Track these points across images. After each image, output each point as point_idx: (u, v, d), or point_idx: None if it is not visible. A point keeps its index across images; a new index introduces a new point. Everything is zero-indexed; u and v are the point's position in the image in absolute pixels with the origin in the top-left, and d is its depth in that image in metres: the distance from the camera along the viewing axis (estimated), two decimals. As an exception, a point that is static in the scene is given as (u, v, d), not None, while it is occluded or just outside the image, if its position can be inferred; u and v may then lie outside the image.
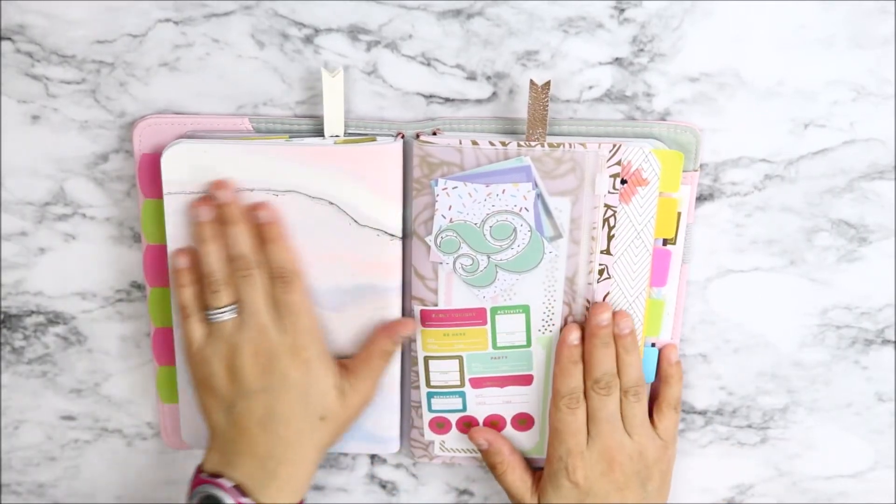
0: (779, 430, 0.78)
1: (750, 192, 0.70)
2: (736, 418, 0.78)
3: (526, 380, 0.73)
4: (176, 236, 0.68)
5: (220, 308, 0.68)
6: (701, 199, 0.71)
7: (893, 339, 0.75)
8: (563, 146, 0.66)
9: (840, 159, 0.69)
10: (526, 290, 0.69)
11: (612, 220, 0.68)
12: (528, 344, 0.71)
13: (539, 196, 0.66)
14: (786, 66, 0.67)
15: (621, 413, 0.70)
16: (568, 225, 0.67)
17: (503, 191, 0.66)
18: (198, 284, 0.69)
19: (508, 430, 0.74)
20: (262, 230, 0.68)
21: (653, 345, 0.73)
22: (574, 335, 0.70)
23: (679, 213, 0.69)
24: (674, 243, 0.70)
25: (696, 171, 0.68)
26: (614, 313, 0.69)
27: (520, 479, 0.74)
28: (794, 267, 0.73)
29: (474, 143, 0.66)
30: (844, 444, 0.79)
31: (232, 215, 0.67)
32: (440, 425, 0.75)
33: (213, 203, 0.67)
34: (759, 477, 0.80)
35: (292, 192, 0.67)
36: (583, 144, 0.66)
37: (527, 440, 0.75)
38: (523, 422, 0.74)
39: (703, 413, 0.78)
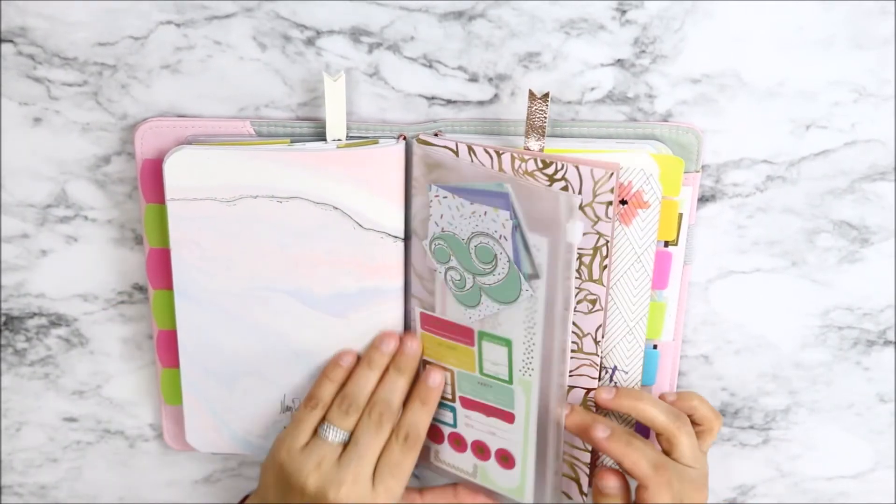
0: (780, 430, 0.78)
1: (751, 193, 0.70)
2: (737, 419, 0.78)
3: (508, 417, 0.70)
4: (180, 242, 0.68)
5: (337, 427, 0.68)
6: (702, 200, 0.71)
7: (894, 339, 0.75)
8: (555, 164, 0.63)
9: (841, 160, 0.69)
10: (508, 322, 0.67)
11: (604, 250, 0.65)
12: (511, 381, 0.69)
13: (517, 227, 0.64)
14: (787, 67, 0.67)
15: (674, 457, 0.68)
16: (546, 265, 0.64)
17: (485, 213, 0.64)
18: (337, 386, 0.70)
19: (492, 462, 0.73)
20: (424, 391, 0.69)
21: (654, 347, 0.73)
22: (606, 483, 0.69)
23: (680, 215, 0.69)
24: (675, 245, 0.69)
25: (697, 172, 0.68)
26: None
27: None
28: (796, 268, 0.73)
29: (470, 148, 0.65)
30: (845, 445, 0.79)
31: (407, 367, 0.69)
32: (434, 434, 0.74)
33: (397, 344, 0.70)
34: (761, 477, 0.80)
35: (296, 199, 0.67)
36: (575, 166, 0.63)
37: (508, 479, 0.73)
38: (505, 459, 0.72)
39: (704, 414, 0.78)
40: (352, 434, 0.68)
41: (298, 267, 0.69)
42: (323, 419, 0.69)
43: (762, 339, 0.75)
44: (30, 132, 0.70)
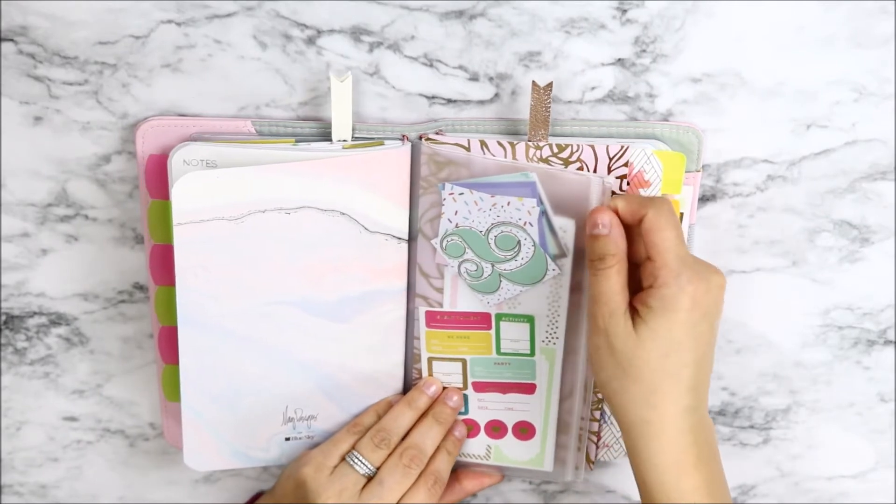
0: (781, 430, 0.78)
1: (752, 192, 0.70)
2: (738, 419, 0.78)
3: (529, 388, 0.72)
4: (186, 269, 0.67)
5: (365, 460, 0.69)
6: (703, 199, 0.71)
7: (895, 339, 0.75)
8: (570, 147, 0.65)
9: (842, 160, 0.69)
10: (530, 301, 0.69)
11: None
12: (533, 353, 0.71)
13: (543, 213, 0.66)
14: (787, 67, 0.67)
15: None
16: (573, 244, 0.66)
17: (508, 203, 0.66)
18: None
19: (509, 437, 0.74)
20: (452, 444, 0.72)
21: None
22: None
23: (681, 214, 0.69)
24: (676, 244, 0.70)
25: (698, 171, 0.68)
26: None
27: (622, 287, 0.61)
28: (797, 267, 0.73)
29: (483, 143, 0.66)
30: (846, 445, 0.79)
31: (447, 420, 0.72)
32: None
33: (439, 390, 0.72)
34: (762, 477, 0.80)
35: (304, 208, 0.66)
36: (591, 146, 0.65)
37: (526, 451, 0.74)
38: (524, 430, 0.74)
39: (704, 413, 0.78)
40: (378, 468, 0.69)
41: (305, 277, 0.68)
42: (353, 447, 0.70)
43: (763, 339, 0.75)
44: (30, 131, 0.70)
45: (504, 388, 0.72)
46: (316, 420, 0.74)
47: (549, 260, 0.67)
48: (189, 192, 0.65)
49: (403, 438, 0.71)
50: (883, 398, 0.77)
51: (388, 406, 0.73)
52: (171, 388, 0.75)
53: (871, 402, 0.77)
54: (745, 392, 0.77)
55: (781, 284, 0.73)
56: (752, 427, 0.78)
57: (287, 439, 0.74)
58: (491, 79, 0.68)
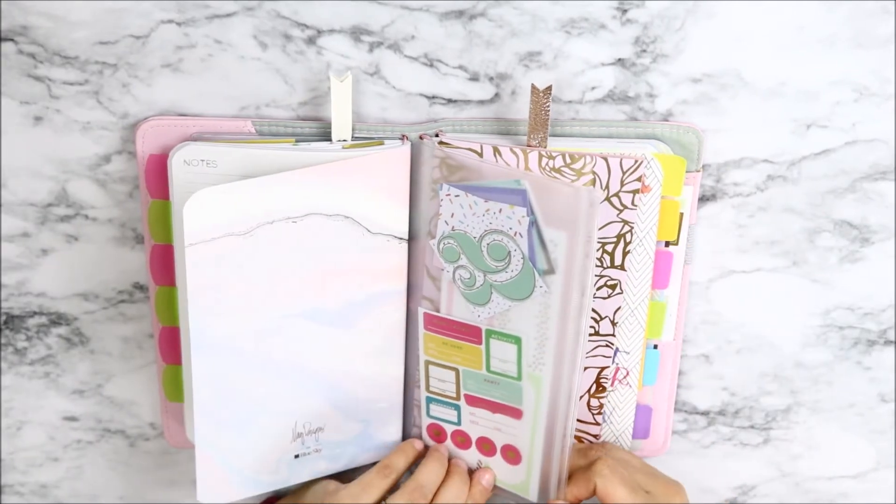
0: (781, 430, 0.78)
1: (752, 192, 0.70)
2: (738, 419, 0.78)
3: (516, 413, 0.70)
4: (197, 289, 0.65)
5: None
6: (703, 199, 0.71)
7: (895, 339, 0.75)
8: (584, 158, 0.64)
9: (842, 160, 0.69)
10: (518, 319, 0.67)
11: (628, 237, 0.67)
12: (520, 378, 0.69)
13: (534, 224, 0.64)
14: (788, 67, 0.67)
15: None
16: (563, 261, 0.64)
17: (500, 210, 0.64)
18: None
19: (497, 458, 0.73)
20: (476, 490, 0.73)
21: (655, 346, 0.73)
22: None
23: (681, 215, 0.69)
24: (676, 244, 0.69)
25: (698, 171, 0.68)
26: None
27: None
28: (797, 267, 0.73)
29: (496, 149, 0.65)
30: (846, 445, 0.79)
31: (459, 470, 0.73)
32: (437, 433, 0.74)
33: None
34: (762, 477, 0.80)
35: (310, 215, 0.66)
36: (604, 158, 0.64)
37: (514, 475, 0.73)
38: (511, 455, 0.72)
39: (705, 414, 0.78)
40: None
41: (312, 285, 0.68)
42: (384, 496, 0.70)
43: (763, 339, 0.75)
44: (31, 131, 0.70)
45: (493, 406, 0.71)
46: (323, 431, 0.73)
47: (538, 276, 0.65)
48: (200, 211, 0.63)
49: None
50: (883, 398, 0.77)
51: (412, 448, 0.74)
52: (171, 388, 0.75)
53: (872, 402, 0.77)
54: (745, 392, 0.77)
55: (781, 284, 0.73)
56: (752, 427, 0.78)
57: (296, 456, 0.73)
58: (491, 79, 0.67)
